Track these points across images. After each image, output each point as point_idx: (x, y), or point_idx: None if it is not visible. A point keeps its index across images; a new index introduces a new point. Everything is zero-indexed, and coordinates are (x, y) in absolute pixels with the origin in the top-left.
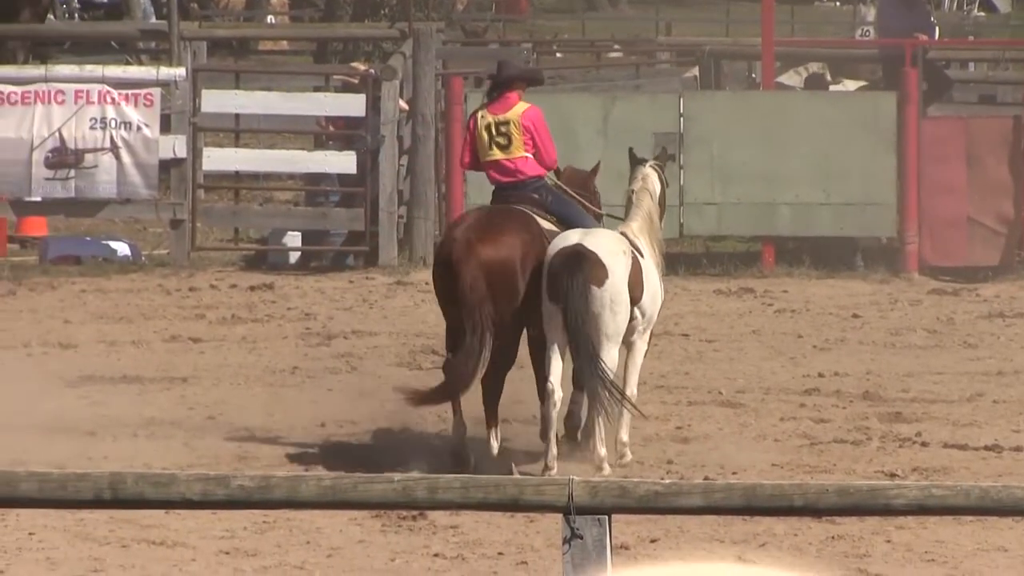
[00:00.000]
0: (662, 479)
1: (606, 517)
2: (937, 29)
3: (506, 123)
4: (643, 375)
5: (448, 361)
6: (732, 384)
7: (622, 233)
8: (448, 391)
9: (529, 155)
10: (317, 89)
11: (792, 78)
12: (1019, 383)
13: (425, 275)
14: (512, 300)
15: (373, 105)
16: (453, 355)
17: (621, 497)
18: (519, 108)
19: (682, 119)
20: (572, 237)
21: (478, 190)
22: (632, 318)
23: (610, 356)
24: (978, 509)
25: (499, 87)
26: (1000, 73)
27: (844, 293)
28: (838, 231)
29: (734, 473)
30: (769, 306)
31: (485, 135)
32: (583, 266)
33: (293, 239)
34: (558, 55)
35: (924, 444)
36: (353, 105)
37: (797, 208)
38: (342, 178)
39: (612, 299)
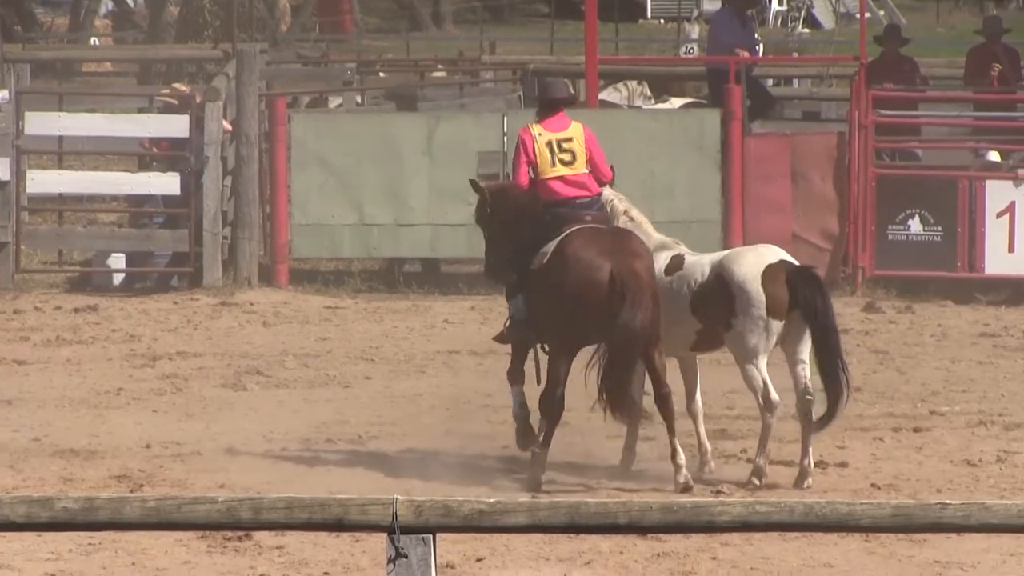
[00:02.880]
0: (487, 497)
1: (431, 536)
2: (761, 46)
3: (569, 140)
4: (468, 394)
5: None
6: None
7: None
8: (625, 412)
9: (588, 170)
10: (141, 110)
11: (613, 95)
12: None
13: (250, 296)
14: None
15: (197, 126)
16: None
17: (446, 516)
18: (578, 126)
19: (506, 138)
20: (767, 253)
21: (302, 211)
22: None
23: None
24: (803, 525)
25: (551, 106)
26: (824, 90)
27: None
28: None
29: (559, 490)
30: None
31: (547, 151)
32: (822, 281)
33: (117, 261)
34: (382, 75)
35: (749, 461)
36: (177, 126)
37: None
38: (166, 199)
39: None
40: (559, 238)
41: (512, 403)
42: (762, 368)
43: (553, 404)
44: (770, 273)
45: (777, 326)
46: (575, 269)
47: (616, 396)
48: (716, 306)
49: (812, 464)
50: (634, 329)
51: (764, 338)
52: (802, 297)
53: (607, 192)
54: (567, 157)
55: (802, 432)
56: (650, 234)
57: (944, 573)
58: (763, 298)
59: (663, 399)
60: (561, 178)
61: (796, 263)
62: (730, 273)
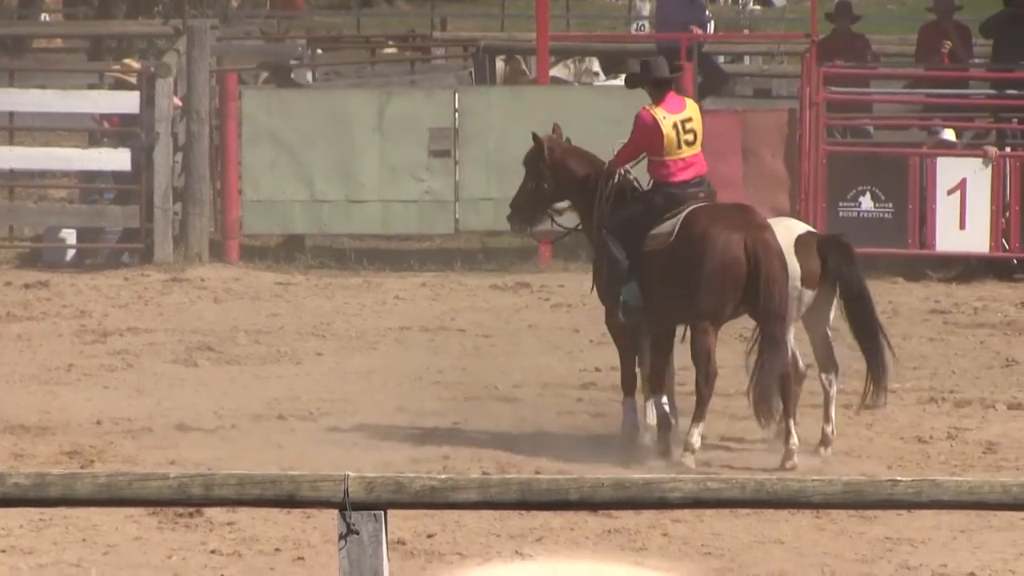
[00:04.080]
0: (438, 474)
1: (382, 512)
2: (712, 23)
3: (689, 119)
4: (420, 370)
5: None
6: (509, 379)
7: None
8: (772, 386)
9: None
10: (92, 87)
11: (562, 71)
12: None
13: (201, 272)
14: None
15: (148, 102)
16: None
17: (397, 492)
18: (694, 105)
19: (457, 114)
20: (795, 225)
21: (253, 187)
22: None
23: None
24: (754, 502)
25: (664, 85)
26: (775, 67)
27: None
28: None
29: (511, 467)
30: (546, 301)
31: (673, 134)
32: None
33: (68, 236)
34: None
35: (702, 438)
36: (127, 102)
37: None
38: (117, 175)
39: None
40: (680, 216)
41: (629, 418)
42: (790, 338)
43: (708, 380)
44: (802, 243)
45: (809, 296)
46: (713, 243)
47: (763, 391)
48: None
49: (834, 430)
50: (773, 306)
51: (795, 308)
52: (834, 266)
53: None
54: (690, 138)
55: (825, 401)
56: None
57: (895, 549)
58: (797, 268)
59: (786, 380)
60: (683, 160)
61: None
62: None
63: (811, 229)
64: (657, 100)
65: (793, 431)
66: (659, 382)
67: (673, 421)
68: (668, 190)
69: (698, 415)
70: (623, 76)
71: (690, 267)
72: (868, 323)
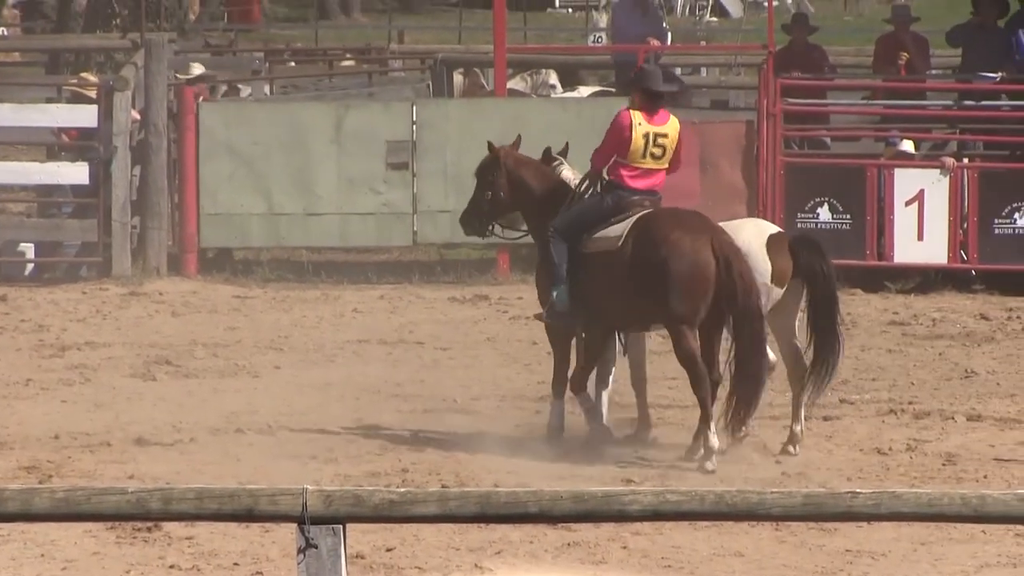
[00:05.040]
0: (397, 487)
1: (340, 526)
2: (669, 34)
3: (665, 135)
4: (378, 383)
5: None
6: (467, 392)
7: None
8: (756, 391)
9: (666, 168)
10: (50, 100)
11: (519, 84)
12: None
13: (159, 285)
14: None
15: (106, 116)
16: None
17: (356, 506)
18: (675, 122)
19: (415, 127)
20: (764, 224)
21: (211, 200)
22: None
23: None
24: (713, 514)
25: (658, 98)
26: (732, 78)
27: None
28: None
29: (470, 480)
30: (504, 313)
31: (642, 142)
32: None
33: (26, 250)
34: (291, 64)
35: (660, 448)
36: (85, 116)
37: None
38: (75, 189)
39: None
40: (629, 220)
41: (554, 420)
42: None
43: (700, 381)
44: (774, 241)
45: (777, 294)
46: (679, 247)
47: (744, 401)
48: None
49: (803, 430)
50: (751, 303)
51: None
52: (805, 264)
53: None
54: (658, 152)
55: (793, 398)
56: None
57: (855, 562)
58: (768, 266)
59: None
60: (643, 169)
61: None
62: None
63: (780, 230)
64: (642, 108)
65: (713, 432)
66: (581, 383)
67: (603, 415)
68: (619, 193)
69: (704, 418)
70: (579, 88)
71: (652, 272)
72: (830, 325)
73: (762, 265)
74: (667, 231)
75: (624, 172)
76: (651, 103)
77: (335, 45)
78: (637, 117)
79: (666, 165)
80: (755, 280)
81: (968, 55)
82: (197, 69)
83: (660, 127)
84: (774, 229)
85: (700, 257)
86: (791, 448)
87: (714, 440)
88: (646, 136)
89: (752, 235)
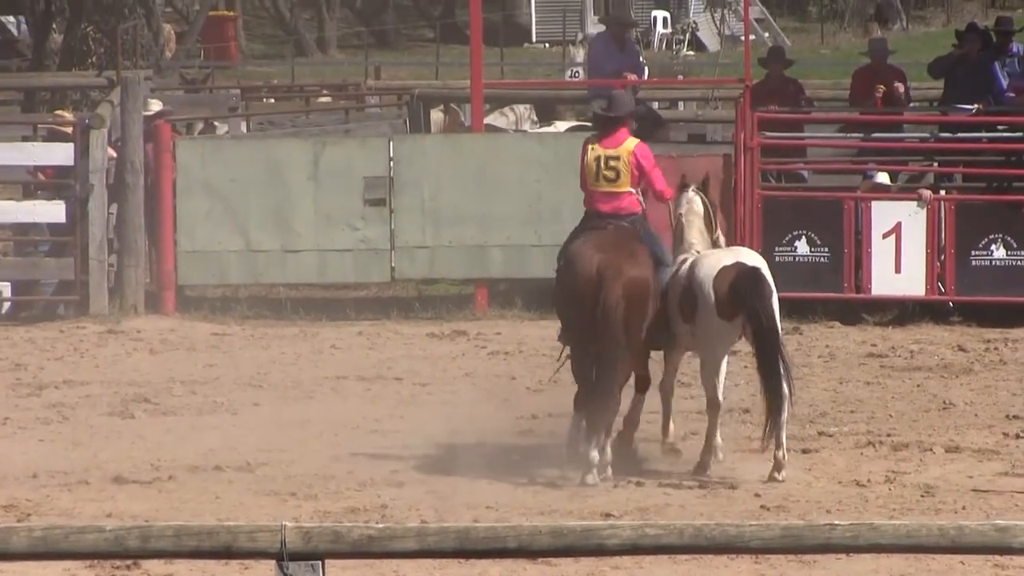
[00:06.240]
0: (376, 523)
1: (320, 563)
2: (647, 69)
3: (616, 158)
4: (357, 420)
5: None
6: (446, 427)
7: (698, 252)
8: (602, 414)
9: (633, 190)
10: (26, 139)
11: (499, 120)
12: (733, 421)
13: (136, 323)
14: (646, 318)
15: (82, 154)
16: (588, 379)
17: (335, 542)
18: (629, 144)
19: (392, 163)
20: (725, 257)
21: (188, 237)
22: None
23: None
24: (692, 548)
25: (611, 122)
26: (710, 112)
27: (556, 334)
28: (550, 272)
29: (449, 516)
30: (482, 348)
31: (593, 166)
32: (767, 284)
33: (3, 289)
34: (268, 100)
35: (639, 484)
36: (62, 154)
37: (509, 250)
38: (52, 227)
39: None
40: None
41: (571, 431)
42: (714, 369)
43: (591, 406)
44: (722, 275)
45: (726, 327)
46: (564, 266)
47: (599, 399)
48: (686, 305)
49: (785, 456)
50: (597, 323)
51: (719, 338)
52: (741, 302)
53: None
54: (611, 175)
55: (770, 427)
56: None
57: None
58: (712, 298)
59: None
60: (601, 192)
61: (756, 266)
62: (694, 274)
63: (752, 263)
64: (598, 134)
65: (595, 453)
66: (577, 402)
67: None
68: (588, 216)
69: (590, 431)
70: (556, 123)
71: (557, 288)
72: (770, 360)
73: (708, 298)
74: (569, 249)
75: (587, 197)
76: (603, 127)
77: (312, 81)
78: (591, 145)
79: (626, 187)
80: (619, 310)
81: (949, 86)
82: (155, 105)
83: (611, 150)
84: (733, 260)
85: (575, 273)
86: (776, 474)
87: (594, 455)
88: (597, 160)
89: (709, 266)
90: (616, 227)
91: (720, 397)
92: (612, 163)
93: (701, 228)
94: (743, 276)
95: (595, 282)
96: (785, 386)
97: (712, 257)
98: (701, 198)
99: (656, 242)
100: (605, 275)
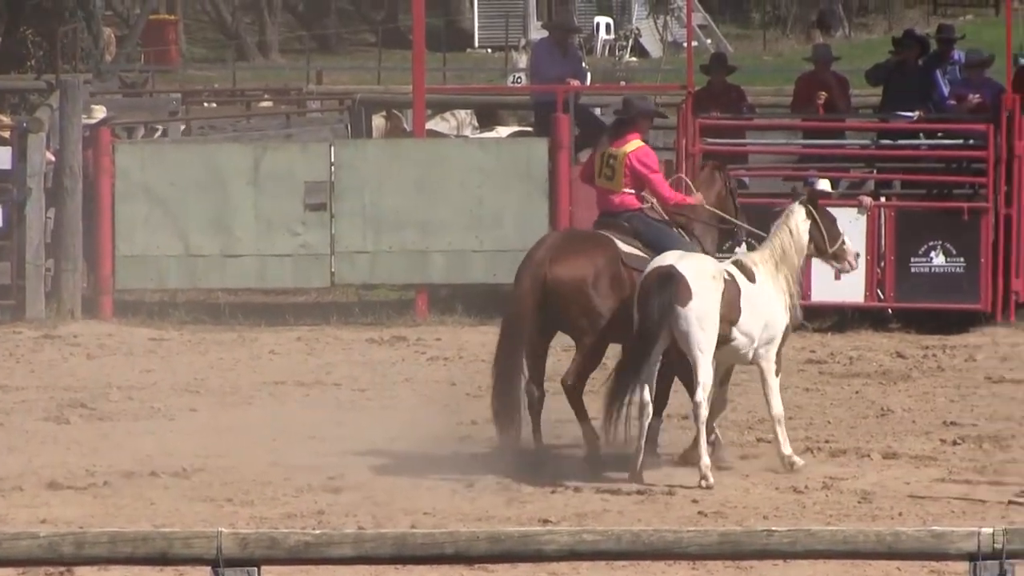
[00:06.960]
0: (313, 529)
1: (256, 569)
2: (589, 74)
3: (614, 158)
4: (295, 425)
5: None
6: (385, 433)
7: (737, 260)
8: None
9: (629, 191)
10: None
11: (440, 124)
12: (672, 427)
13: (74, 328)
14: (588, 315)
15: (20, 157)
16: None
17: (271, 548)
18: (629, 147)
19: (333, 168)
20: (668, 259)
21: (126, 242)
22: (731, 339)
23: (705, 369)
24: (630, 553)
25: (623, 124)
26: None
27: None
28: (491, 278)
29: (387, 522)
30: (422, 354)
31: (598, 163)
32: (670, 286)
33: None
34: (208, 105)
35: (577, 489)
36: None
37: (450, 255)
38: None
39: (699, 317)
40: None
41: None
42: (644, 371)
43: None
44: (647, 277)
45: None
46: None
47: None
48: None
49: (705, 463)
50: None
51: (647, 338)
52: (641, 298)
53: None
54: (608, 173)
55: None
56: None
57: None
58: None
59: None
60: (600, 188)
61: (703, 270)
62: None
63: (680, 266)
64: (615, 135)
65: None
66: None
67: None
68: (599, 217)
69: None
70: (498, 128)
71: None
72: (633, 357)
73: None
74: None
75: (596, 193)
76: (617, 128)
77: (253, 86)
78: (605, 144)
79: (619, 187)
80: (532, 312)
81: (888, 93)
82: (100, 112)
83: (614, 150)
84: (666, 263)
85: (522, 276)
86: (701, 483)
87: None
88: (602, 157)
89: (655, 264)
90: (574, 230)
91: (645, 397)
92: (611, 162)
93: (783, 242)
94: (648, 276)
95: (529, 286)
96: (646, 393)
97: (664, 257)
98: (807, 210)
99: (660, 236)
100: (535, 276)
